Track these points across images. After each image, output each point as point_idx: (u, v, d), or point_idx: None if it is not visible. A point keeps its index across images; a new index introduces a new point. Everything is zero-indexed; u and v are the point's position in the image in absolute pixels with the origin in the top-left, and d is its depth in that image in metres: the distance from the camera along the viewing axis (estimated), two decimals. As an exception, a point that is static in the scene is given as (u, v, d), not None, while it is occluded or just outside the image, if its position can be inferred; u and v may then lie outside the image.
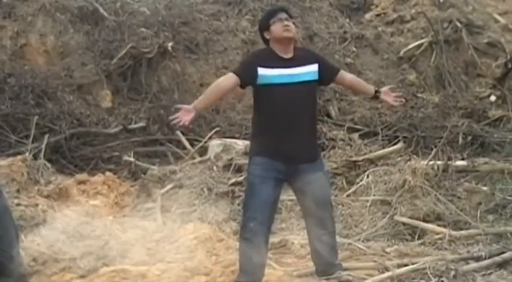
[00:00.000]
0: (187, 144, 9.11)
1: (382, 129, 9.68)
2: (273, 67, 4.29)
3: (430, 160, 6.91)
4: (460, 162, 7.44)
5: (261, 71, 4.27)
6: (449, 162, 7.04)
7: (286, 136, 4.26)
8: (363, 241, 5.60)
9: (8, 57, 10.12)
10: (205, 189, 6.72)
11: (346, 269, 4.69)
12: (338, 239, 5.53)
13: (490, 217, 6.05)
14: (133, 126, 9.73)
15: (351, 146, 7.64)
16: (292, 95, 4.27)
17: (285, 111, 4.26)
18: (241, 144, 7.72)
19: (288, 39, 4.36)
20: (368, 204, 6.25)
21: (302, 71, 4.35)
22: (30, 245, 5.11)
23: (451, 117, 10.40)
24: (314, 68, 4.40)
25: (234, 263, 4.78)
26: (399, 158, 7.11)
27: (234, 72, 4.31)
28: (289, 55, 4.38)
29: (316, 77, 4.41)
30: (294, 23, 4.46)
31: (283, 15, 4.40)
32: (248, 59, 4.65)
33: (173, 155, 9.00)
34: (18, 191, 6.41)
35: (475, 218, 5.95)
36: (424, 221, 5.87)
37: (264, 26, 4.44)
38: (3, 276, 3.27)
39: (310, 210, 4.49)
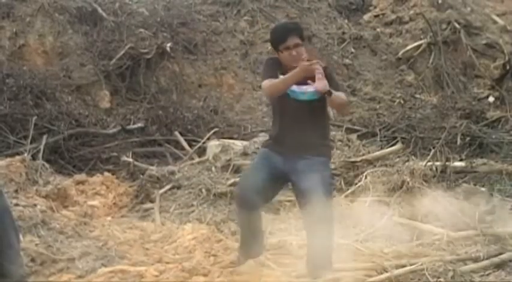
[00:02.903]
0: (185, 144, 9.12)
1: (380, 130, 9.68)
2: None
3: (429, 161, 6.92)
4: (458, 163, 7.44)
5: (280, 76, 4.43)
6: (447, 163, 7.06)
7: (287, 139, 4.47)
8: (361, 242, 5.59)
9: (6, 57, 10.12)
10: (203, 189, 6.72)
11: (338, 270, 4.70)
12: (336, 239, 5.55)
13: (488, 218, 6.05)
14: (131, 126, 9.73)
15: (349, 146, 7.63)
16: (293, 110, 4.45)
17: (287, 120, 4.49)
18: (239, 144, 7.72)
19: (295, 67, 4.40)
20: (366, 205, 6.25)
21: (306, 90, 4.44)
22: (29, 246, 5.10)
23: (449, 118, 10.42)
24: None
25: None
26: (397, 159, 7.11)
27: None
28: None
29: (317, 96, 4.43)
30: (303, 44, 4.48)
31: (292, 41, 4.42)
32: (271, 63, 4.64)
33: (172, 156, 9.00)
34: (16, 191, 6.40)
35: (473, 219, 5.95)
36: (423, 222, 5.87)
37: (275, 47, 4.54)
38: (3, 277, 3.26)
39: (303, 208, 4.55)
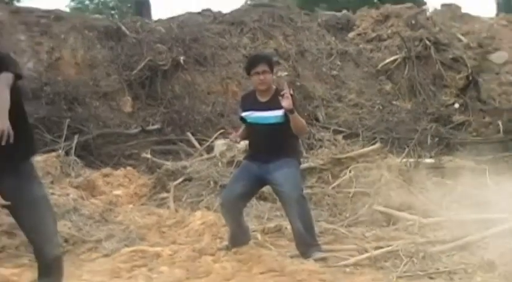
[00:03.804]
0: (196, 143, 9.11)
1: (362, 131, 9.67)
2: (251, 110, 4.67)
3: (403, 158, 6.93)
4: (428, 160, 7.45)
5: (244, 114, 4.75)
6: (419, 160, 7.06)
7: (260, 152, 4.71)
8: (345, 227, 5.60)
9: (44, 69, 10.12)
10: (211, 182, 6.72)
11: (327, 251, 4.70)
12: (324, 225, 5.55)
13: (454, 206, 6.05)
14: (150, 128, 9.73)
15: (336, 145, 7.63)
16: (262, 132, 4.64)
17: (258, 139, 4.72)
18: (242, 143, 7.66)
19: (262, 90, 4.62)
20: (350, 195, 6.24)
21: (269, 115, 4.59)
22: (62, 229, 5.10)
23: (421, 122, 10.43)
24: (279, 113, 4.55)
25: (236, 244, 4.81)
26: (377, 156, 7.09)
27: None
28: (265, 99, 4.65)
29: (281, 120, 4.57)
30: (271, 72, 4.65)
31: (261, 67, 4.57)
32: (239, 105, 5.05)
33: (184, 153, 8.99)
34: (52, 182, 6.41)
35: (442, 207, 5.95)
36: (398, 209, 5.87)
37: (247, 72, 4.77)
38: (42, 256, 3.27)
39: (281, 199, 4.74)
